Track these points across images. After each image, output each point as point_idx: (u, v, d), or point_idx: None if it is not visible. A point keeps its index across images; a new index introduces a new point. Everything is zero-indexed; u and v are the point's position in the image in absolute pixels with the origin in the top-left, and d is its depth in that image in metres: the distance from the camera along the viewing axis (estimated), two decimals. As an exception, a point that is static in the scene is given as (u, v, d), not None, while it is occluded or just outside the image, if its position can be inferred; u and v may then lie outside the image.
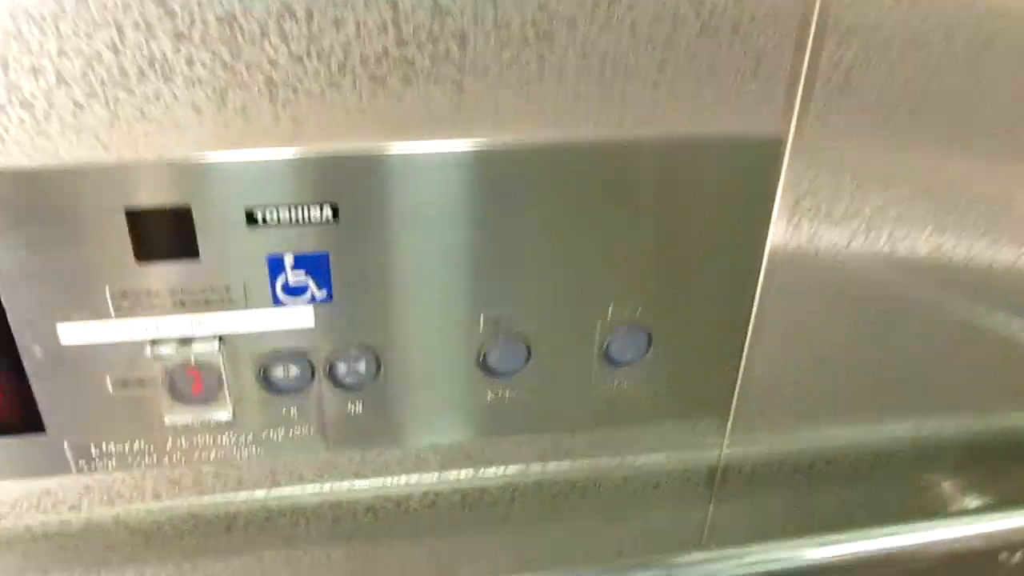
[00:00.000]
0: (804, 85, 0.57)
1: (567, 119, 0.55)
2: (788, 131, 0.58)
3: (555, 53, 0.53)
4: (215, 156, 0.53)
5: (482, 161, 0.55)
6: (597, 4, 0.51)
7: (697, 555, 0.73)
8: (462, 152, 0.55)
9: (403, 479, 0.72)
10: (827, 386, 0.74)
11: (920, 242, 0.66)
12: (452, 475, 0.72)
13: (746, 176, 0.60)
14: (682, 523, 0.81)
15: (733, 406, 0.73)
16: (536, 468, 0.74)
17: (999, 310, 0.73)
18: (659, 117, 0.56)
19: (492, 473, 0.74)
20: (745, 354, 0.69)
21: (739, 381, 0.71)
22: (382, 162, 0.54)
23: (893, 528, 0.77)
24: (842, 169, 0.61)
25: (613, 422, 0.71)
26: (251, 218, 0.55)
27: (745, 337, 0.68)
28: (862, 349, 0.72)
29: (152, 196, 0.53)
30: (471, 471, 0.73)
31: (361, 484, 0.72)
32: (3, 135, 0.50)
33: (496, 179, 0.56)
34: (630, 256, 0.61)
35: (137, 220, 0.54)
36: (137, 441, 0.64)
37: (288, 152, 0.53)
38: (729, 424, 0.74)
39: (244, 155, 0.53)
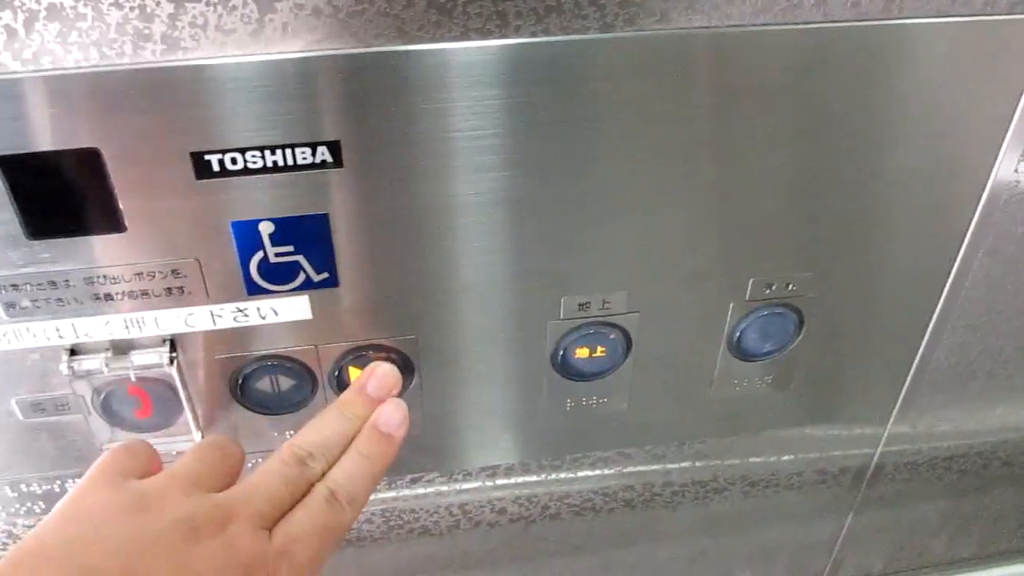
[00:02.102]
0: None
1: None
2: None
3: None
4: (133, 63, 0.32)
5: (576, 61, 0.34)
6: None
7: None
8: (539, 49, 0.34)
9: (440, 488, 0.52)
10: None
11: None
12: (510, 483, 0.53)
13: (980, 85, 0.38)
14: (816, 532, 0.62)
15: (900, 398, 0.52)
16: (628, 474, 0.54)
17: None
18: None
19: (560, 479, 0.54)
20: (928, 336, 0.49)
21: (913, 368, 0.51)
22: (414, 68, 0.33)
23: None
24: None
25: (739, 430, 0.51)
26: (203, 165, 0.34)
27: (932, 315, 0.48)
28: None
29: (39, 135, 0.32)
30: (533, 478, 0.54)
31: (386, 496, 0.53)
32: None
33: (594, 92, 0.35)
34: (773, 211, 0.41)
35: (19, 174, 0.33)
36: (71, 477, 0.45)
37: (248, 57, 0.32)
38: (891, 419, 0.54)
39: (180, 61, 0.32)
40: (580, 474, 0.52)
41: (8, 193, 0.33)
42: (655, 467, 0.53)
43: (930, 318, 0.48)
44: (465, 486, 0.51)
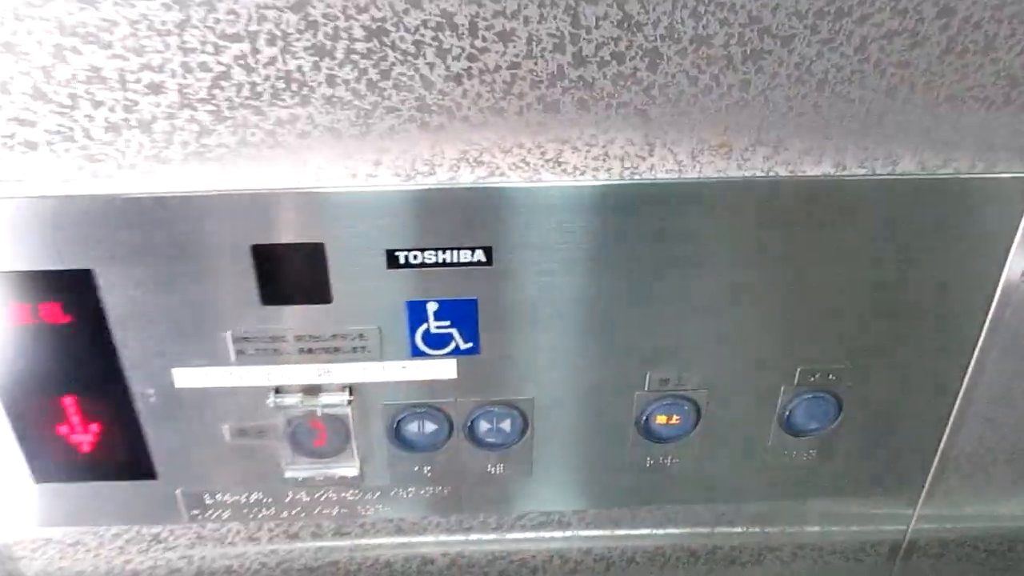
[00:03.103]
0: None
1: (772, 153, 0.46)
2: (1039, 172, 0.48)
3: (764, 76, 0.43)
4: (355, 188, 0.45)
5: (664, 198, 0.47)
6: (821, 16, 0.42)
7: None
8: (641, 187, 0.46)
9: (541, 534, 0.64)
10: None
11: None
12: (596, 534, 0.64)
13: (979, 223, 0.49)
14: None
15: (928, 481, 0.62)
16: (695, 533, 0.65)
17: None
18: (882, 153, 0.46)
19: (641, 534, 0.65)
20: (950, 426, 0.59)
21: (938, 455, 0.60)
22: (547, 198, 0.46)
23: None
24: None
25: (788, 495, 0.61)
26: (393, 259, 0.47)
27: (952, 408, 0.58)
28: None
29: (283, 232, 0.46)
30: (620, 531, 0.64)
31: (491, 536, 0.64)
32: (118, 159, 0.44)
33: (678, 219, 0.47)
34: (821, 312, 0.52)
35: (265, 258, 0.47)
36: (254, 492, 0.57)
37: (439, 185, 0.46)
38: (921, 499, 0.63)
39: (389, 188, 0.45)
40: (654, 531, 0.63)
41: (255, 271, 0.47)
42: (718, 529, 0.63)
43: (951, 410, 0.58)
44: (557, 534, 0.63)
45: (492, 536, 0.64)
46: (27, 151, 0.43)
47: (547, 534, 0.64)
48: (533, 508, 0.60)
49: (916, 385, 0.56)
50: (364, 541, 0.64)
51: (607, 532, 0.64)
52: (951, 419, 0.58)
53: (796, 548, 0.66)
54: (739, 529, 0.65)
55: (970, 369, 0.56)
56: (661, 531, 0.64)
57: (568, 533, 0.64)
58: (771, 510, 0.63)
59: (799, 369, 0.54)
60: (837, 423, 0.57)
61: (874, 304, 0.52)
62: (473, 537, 0.64)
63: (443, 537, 0.64)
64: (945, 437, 0.59)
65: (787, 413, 0.56)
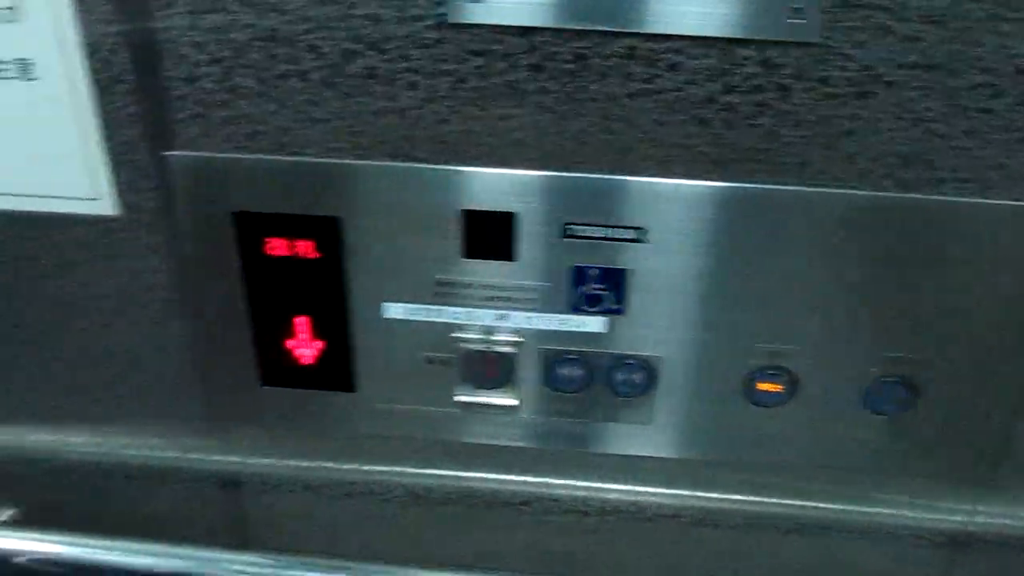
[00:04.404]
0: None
1: (873, 174, 0.58)
2: (1094, 207, 0.59)
3: (870, 111, 0.56)
4: (547, 173, 0.60)
5: (784, 203, 0.60)
6: (917, 66, 0.54)
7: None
8: (770, 193, 0.59)
9: (655, 489, 0.77)
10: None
11: None
12: (700, 493, 0.77)
13: (1043, 246, 0.61)
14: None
15: (991, 476, 0.72)
16: (780, 501, 0.76)
17: None
18: (962, 180, 0.58)
19: (734, 498, 0.77)
20: (1014, 427, 0.69)
21: (1002, 452, 0.71)
22: (694, 194, 0.60)
23: None
24: None
25: (865, 468, 0.72)
26: (567, 231, 0.62)
27: (1016, 409, 0.68)
28: None
29: (487, 201, 0.61)
30: (715, 494, 0.77)
31: (616, 486, 0.77)
32: (376, 135, 0.60)
33: (793, 221, 0.60)
34: (909, 310, 0.63)
35: (471, 220, 0.62)
36: (430, 412, 0.72)
37: (607, 176, 0.60)
38: (982, 493, 0.74)
39: (572, 175, 0.60)
40: (747, 496, 0.75)
41: (463, 231, 0.62)
42: (800, 501, 0.75)
43: (1015, 411, 0.68)
44: (666, 486, 0.76)
45: (612, 484, 0.77)
46: (312, 124, 0.60)
47: (659, 487, 0.77)
48: (651, 452, 0.73)
49: (985, 384, 0.67)
50: (499, 475, 0.78)
51: (704, 491, 0.77)
52: (1015, 420, 0.69)
53: (865, 525, 0.77)
54: (817, 502, 0.76)
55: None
56: (751, 497, 0.76)
57: (674, 486, 0.76)
58: (845, 484, 0.75)
59: (884, 355, 0.66)
60: (912, 409, 0.68)
61: (948, 305, 0.63)
62: (594, 484, 0.77)
63: (566, 480, 0.78)
64: (1009, 436, 0.70)
65: (869, 394, 0.68)
